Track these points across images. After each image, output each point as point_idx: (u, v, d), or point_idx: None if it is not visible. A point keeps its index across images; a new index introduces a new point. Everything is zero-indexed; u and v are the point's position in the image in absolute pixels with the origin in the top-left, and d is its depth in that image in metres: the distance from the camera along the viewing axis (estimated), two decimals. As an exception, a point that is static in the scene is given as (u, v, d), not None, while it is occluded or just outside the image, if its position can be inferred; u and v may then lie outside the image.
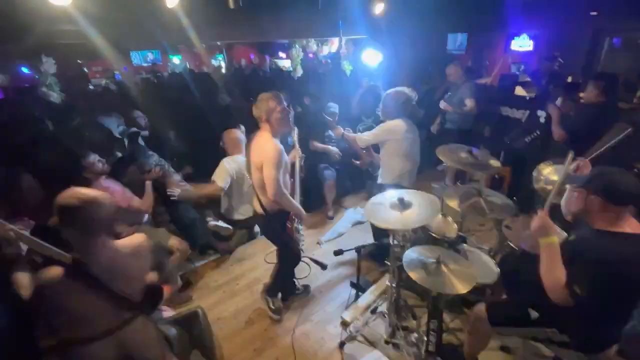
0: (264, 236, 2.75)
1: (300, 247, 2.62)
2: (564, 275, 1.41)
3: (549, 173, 2.35)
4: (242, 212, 3.37)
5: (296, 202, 2.44)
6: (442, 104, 4.23)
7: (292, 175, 2.57)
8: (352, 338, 2.41)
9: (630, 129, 2.58)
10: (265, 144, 2.11)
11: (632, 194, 1.35)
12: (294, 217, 2.45)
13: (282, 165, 2.14)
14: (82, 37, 2.62)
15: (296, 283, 2.88)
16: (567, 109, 3.30)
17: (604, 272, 1.32)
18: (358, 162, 3.80)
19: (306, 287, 2.92)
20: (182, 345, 1.89)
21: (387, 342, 2.34)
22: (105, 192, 1.61)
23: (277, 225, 2.41)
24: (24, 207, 2.25)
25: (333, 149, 4.04)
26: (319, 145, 4.07)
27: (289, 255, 2.60)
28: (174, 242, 2.80)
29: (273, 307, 2.65)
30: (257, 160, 2.14)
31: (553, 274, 1.43)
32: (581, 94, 3.15)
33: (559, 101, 3.41)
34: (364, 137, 2.91)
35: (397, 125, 2.76)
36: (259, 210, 2.35)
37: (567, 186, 1.58)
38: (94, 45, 2.77)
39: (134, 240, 1.58)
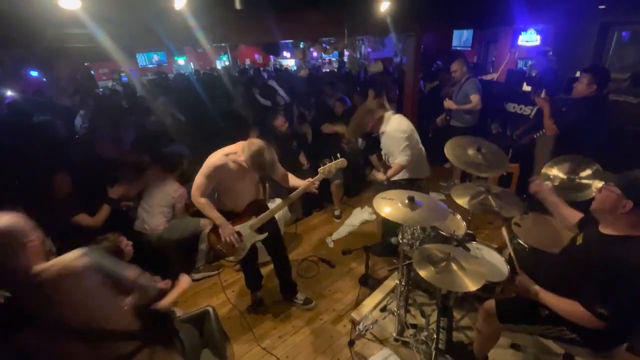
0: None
1: (236, 259, 2.45)
2: (574, 303, 1.43)
3: (555, 173, 2.33)
4: None
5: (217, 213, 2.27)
6: (446, 103, 4.22)
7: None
8: (361, 336, 2.42)
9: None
10: (216, 154, 2.18)
11: None
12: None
13: (212, 178, 2.16)
14: (91, 40, 2.65)
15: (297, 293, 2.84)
16: (559, 104, 3.28)
17: (621, 284, 1.32)
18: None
19: (307, 300, 2.81)
20: (193, 344, 1.91)
21: (396, 340, 2.35)
22: None
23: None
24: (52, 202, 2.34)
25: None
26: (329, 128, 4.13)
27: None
28: (205, 221, 3.02)
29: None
30: None
31: (564, 309, 1.47)
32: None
33: (543, 94, 3.39)
34: (404, 158, 2.71)
35: (404, 123, 2.75)
36: None
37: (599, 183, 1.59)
38: (101, 48, 2.80)
39: (61, 260, 1.25)
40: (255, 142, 2.05)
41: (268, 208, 2.47)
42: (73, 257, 1.25)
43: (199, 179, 2.15)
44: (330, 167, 2.38)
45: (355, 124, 2.90)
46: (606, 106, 3.08)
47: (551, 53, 4.55)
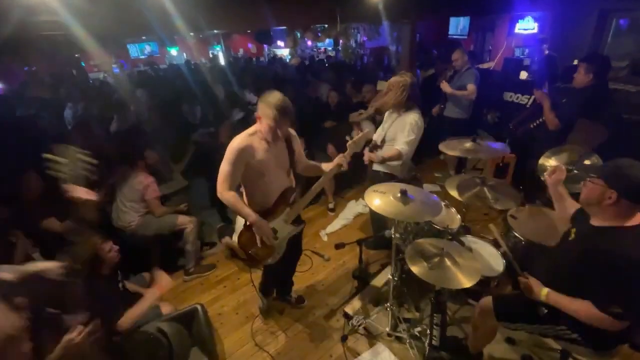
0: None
1: (268, 262, 2.11)
2: (585, 304, 1.37)
3: (553, 164, 2.28)
4: None
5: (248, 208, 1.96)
6: (442, 85, 4.11)
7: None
8: (354, 331, 2.38)
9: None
10: (238, 137, 1.89)
11: None
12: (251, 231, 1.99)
13: (240, 163, 1.86)
14: (69, 30, 2.53)
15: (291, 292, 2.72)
16: (558, 96, 3.21)
17: (621, 276, 1.28)
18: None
19: (299, 298, 2.71)
20: (182, 342, 1.86)
21: (389, 335, 2.31)
22: None
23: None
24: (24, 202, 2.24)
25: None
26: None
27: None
28: (183, 219, 2.96)
29: (261, 307, 2.60)
30: None
31: (577, 311, 1.41)
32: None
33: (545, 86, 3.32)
34: (406, 148, 2.52)
35: (419, 117, 2.59)
36: None
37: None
38: (85, 38, 2.68)
39: None
40: (272, 93, 1.81)
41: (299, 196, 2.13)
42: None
43: (224, 168, 1.85)
44: (359, 139, 2.09)
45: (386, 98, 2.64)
46: (606, 96, 2.99)
47: (545, 46, 4.45)
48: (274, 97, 1.79)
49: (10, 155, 2.74)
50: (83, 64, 9.58)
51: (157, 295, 1.88)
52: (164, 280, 1.93)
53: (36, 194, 2.47)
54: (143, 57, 13.53)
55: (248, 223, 1.96)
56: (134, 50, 13.35)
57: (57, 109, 4.41)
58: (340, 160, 2.04)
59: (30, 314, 1.13)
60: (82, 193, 1.23)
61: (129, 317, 1.72)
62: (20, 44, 2.66)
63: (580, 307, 1.39)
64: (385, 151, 2.62)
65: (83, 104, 4.51)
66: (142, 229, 2.87)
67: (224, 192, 1.88)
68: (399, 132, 2.55)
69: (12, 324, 1.05)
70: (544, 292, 1.52)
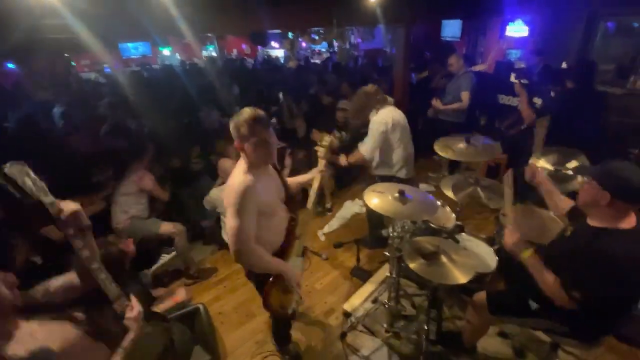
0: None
1: (291, 309, 1.91)
2: (555, 280, 1.46)
3: (542, 164, 2.36)
4: None
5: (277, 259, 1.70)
6: (434, 102, 4.24)
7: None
8: (353, 328, 2.44)
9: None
10: (235, 179, 1.53)
11: None
12: (280, 281, 1.74)
13: (252, 209, 1.52)
14: (69, 31, 2.54)
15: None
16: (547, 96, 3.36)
17: (599, 274, 1.34)
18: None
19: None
20: (184, 342, 1.90)
21: (387, 332, 2.37)
22: None
23: (255, 283, 1.84)
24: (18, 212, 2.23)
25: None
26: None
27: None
28: (167, 227, 2.92)
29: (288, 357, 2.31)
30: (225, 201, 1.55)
31: (544, 281, 1.49)
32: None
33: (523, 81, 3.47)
34: (368, 148, 2.71)
35: (388, 116, 2.71)
36: None
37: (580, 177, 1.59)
38: (82, 39, 2.69)
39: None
40: (239, 113, 1.53)
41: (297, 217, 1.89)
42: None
43: (235, 223, 1.47)
44: (323, 151, 1.95)
45: (355, 109, 2.85)
46: (592, 96, 3.13)
47: (541, 58, 4.55)
48: (241, 114, 1.51)
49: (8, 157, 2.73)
50: (74, 64, 9.50)
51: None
52: (180, 292, 2.01)
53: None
54: (135, 57, 13.41)
55: (273, 278, 1.70)
56: (125, 50, 13.22)
57: (45, 110, 4.38)
58: (316, 174, 1.95)
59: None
60: (71, 206, 1.08)
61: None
62: (24, 46, 2.66)
63: (548, 279, 1.47)
64: (351, 156, 2.84)
65: (73, 104, 4.48)
66: (130, 234, 2.75)
67: (250, 249, 1.53)
68: (368, 136, 2.76)
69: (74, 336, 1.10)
70: (527, 252, 1.57)
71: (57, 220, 1.05)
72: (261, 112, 1.53)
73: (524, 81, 3.61)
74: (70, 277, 1.24)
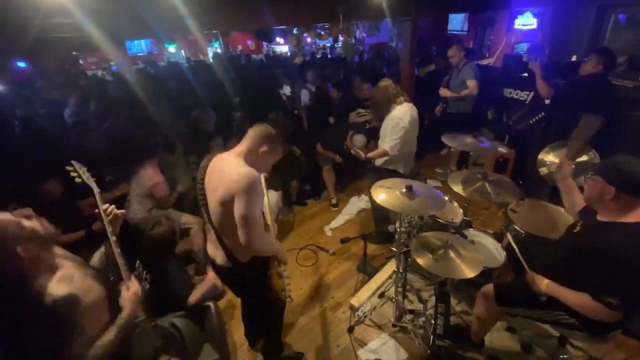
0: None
1: (285, 293, 1.97)
2: (582, 296, 1.43)
3: (552, 159, 2.34)
4: None
5: (273, 238, 1.83)
6: (441, 91, 4.19)
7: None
8: (360, 322, 2.46)
9: (602, 119, 2.57)
10: (241, 169, 1.50)
11: None
12: (275, 262, 1.83)
13: (261, 197, 1.54)
14: (79, 30, 2.57)
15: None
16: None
17: (619, 270, 1.33)
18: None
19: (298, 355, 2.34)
20: (194, 338, 1.93)
21: (394, 326, 2.39)
22: None
23: (250, 278, 1.76)
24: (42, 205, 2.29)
25: (337, 156, 4.02)
26: (323, 151, 4.06)
27: (269, 309, 2.01)
28: (188, 218, 2.96)
29: None
30: (223, 190, 1.49)
31: (573, 303, 1.47)
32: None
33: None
34: (392, 146, 2.69)
35: (403, 113, 2.70)
36: (223, 262, 1.70)
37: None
38: (89, 37, 2.72)
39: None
40: (258, 126, 1.63)
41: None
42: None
43: (251, 213, 1.46)
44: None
45: (379, 105, 2.82)
46: (610, 86, 3.11)
47: (547, 53, 4.49)
48: (264, 126, 1.64)
49: (29, 157, 2.77)
50: (81, 62, 9.60)
51: (213, 283, 2.07)
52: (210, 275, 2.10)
53: (55, 198, 2.49)
54: (141, 54, 13.49)
55: (270, 263, 1.77)
56: (131, 48, 13.29)
57: (56, 109, 4.43)
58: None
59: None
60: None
61: (195, 295, 2.01)
62: (36, 45, 2.70)
63: (578, 299, 1.45)
64: (372, 152, 2.82)
65: (82, 102, 4.52)
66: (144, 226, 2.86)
67: (261, 236, 1.55)
68: (387, 130, 2.73)
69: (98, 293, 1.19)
70: (544, 283, 1.58)
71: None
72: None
73: (525, 74, 3.58)
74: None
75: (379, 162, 2.89)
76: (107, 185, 2.89)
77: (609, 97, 3.00)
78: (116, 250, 1.42)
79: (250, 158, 1.58)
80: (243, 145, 1.61)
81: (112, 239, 1.42)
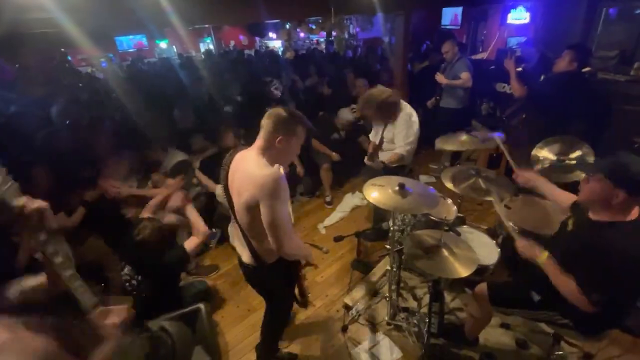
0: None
1: (305, 298, 2.00)
2: (572, 282, 1.40)
3: (545, 155, 2.33)
4: None
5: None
6: (438, 77, 4.14)
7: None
8: (354, 321, 2.44)
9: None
10: (264, 171, 1.41)
11: None
12: (302, 265, 1.88)
13: (286, 197, 1.46)
14: (61, 26, 2.48)
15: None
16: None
17: (613, 270, 1.30)
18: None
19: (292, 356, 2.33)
20: (185, 342, 1.89)
21: (389, 324, 2.37)
22: None
23: (279, 278, 1.77)
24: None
25: (333, 153, 3.98)
26: (320, 146, 4.00)
27: (284, 311, 2.06)
28: (171, 218, 2.82)
29: None
30: (248, 195, 1.44)
31: (565, 286, 1.43)
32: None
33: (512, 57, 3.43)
34: (408, 149, 2.64)
35: (409, 108, 2.67)
36: (249, 260, 1.68)
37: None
38: (76, 33, 2.63)
39: None
40: (269, 113, 1.51)
41: None
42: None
43: (280, 213, 1.41)
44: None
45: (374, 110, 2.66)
46: (586, 81, 3.09)
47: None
48: (292, 112, 1.51)
49: (14, 151, 2.69)
50: (70, 59, 9.39)
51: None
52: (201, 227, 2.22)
53: (44, 190, 2.39)
54: (131, 50, 13.25)
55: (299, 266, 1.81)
56: (121, 44, 13.05)
57: (45, 106, 4.31)
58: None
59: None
60: (36, 204, 1.05)
61: (192, 242, 2.15)
62: (11, 41, 2.61)
63: (566, 283, 1.42)
64: (391, 157, 2.68)
65: (68, 100, 4.40)
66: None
67: (291, 238, 1.50)
68: (397, 132, 2.64)
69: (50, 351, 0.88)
70: (544, 255, 1.51)
71: (17, 221, 0.99)
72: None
73: (518, 69, 3.57)
74: (42, 279, 1.16)
75: (381, 155, 2.84)
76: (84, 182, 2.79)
77: (585, 95, 2.97)
78: (74, 285, 1.07)
79: (269, 153, 1.48)
80: (260, 140, 1.50)
81: (67, 273, 1.05)
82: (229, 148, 2.83)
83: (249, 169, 1.46)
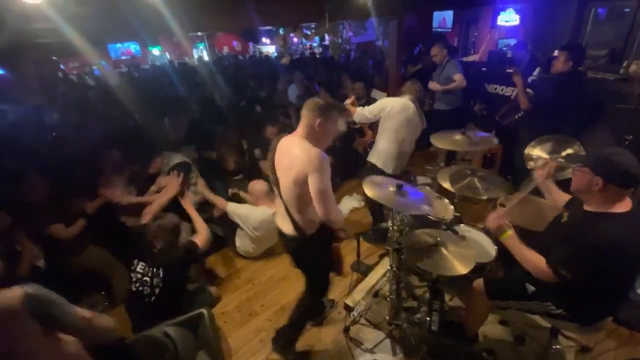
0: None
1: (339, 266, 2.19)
2: (538, 258, 1.50)
3: (539, 153, 2.38)
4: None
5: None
6: (431, 85, 4.21)
7: None
8: (355, 322, 2.46)
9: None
10: (310, 150, 1.66)
11: (637, 176, 1.38)
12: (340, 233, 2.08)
13: (329, 172, 1.68)
14: (59, 35, 2.50)
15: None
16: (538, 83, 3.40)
17: (593, 256, 1.37)
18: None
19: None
20: (188, 347, 1.89)
21: (390, 324, 2.39)
22: None
23: (316, 250, 1.96)
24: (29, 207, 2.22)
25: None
26: None
27: (323, 286, 2.19)
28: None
29: None
30: (296, 172, 1.67)
31: (526, 260, 1.54)
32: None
33: (536, 71, 3.49)
34: (364, 112, 2.84)
35: (394, 102, 2.75)
36: (291, 231, 1.88)
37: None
38: (69, 42, 2.65)
39: None
40: (307, 102, 1.77)
41: None
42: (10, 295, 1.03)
43: (325, 187, 1.64)
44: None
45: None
46: (581, 81, 3.18)
47: (529, 48, 4.57)
48: (328, 100, 1.81)
49: (8, 160, 2.70)
50: (62, 67, 9.36)
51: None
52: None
53: (42, 199, 2.42)
54: (124, 57, 13.24)
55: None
56: (114, 51, 13.04)
57: (35, 116, 4.30)
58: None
59: None
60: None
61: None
62: (9, 51, 2.63)
63: (530, 255, 1.52)
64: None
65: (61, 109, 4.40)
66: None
67: (335, 207, 1.72)
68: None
69: None
70: (508, 233, 1.62)
71: None
72: None
73: (529, 91, 3.65)
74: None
75: (372, 159, 2.96)
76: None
77: (579, 94, 3.05)
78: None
79: (311, 136, 1.73)
80: (301, 127, 1.75)
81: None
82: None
83: (296, 150, 1.70)
